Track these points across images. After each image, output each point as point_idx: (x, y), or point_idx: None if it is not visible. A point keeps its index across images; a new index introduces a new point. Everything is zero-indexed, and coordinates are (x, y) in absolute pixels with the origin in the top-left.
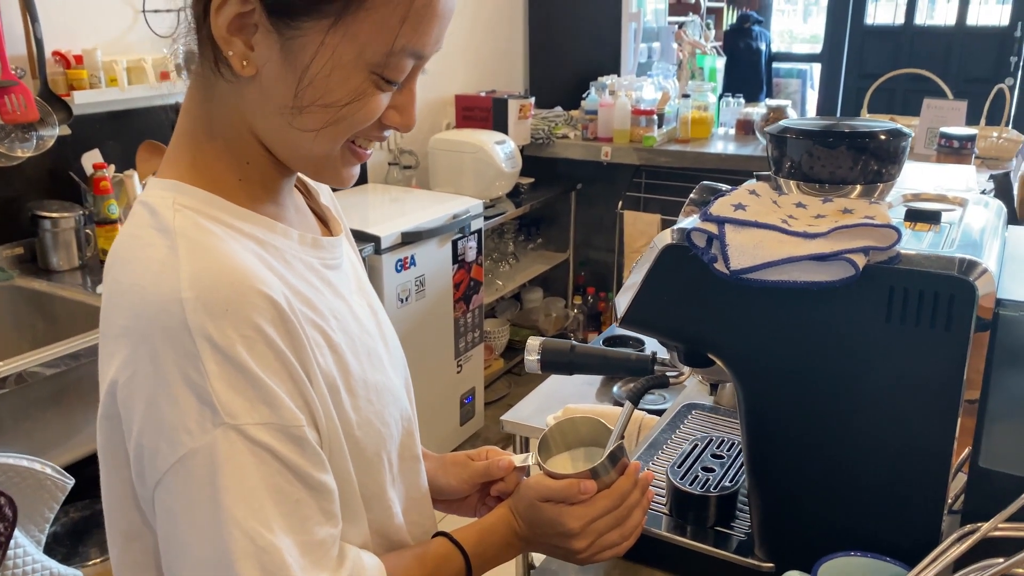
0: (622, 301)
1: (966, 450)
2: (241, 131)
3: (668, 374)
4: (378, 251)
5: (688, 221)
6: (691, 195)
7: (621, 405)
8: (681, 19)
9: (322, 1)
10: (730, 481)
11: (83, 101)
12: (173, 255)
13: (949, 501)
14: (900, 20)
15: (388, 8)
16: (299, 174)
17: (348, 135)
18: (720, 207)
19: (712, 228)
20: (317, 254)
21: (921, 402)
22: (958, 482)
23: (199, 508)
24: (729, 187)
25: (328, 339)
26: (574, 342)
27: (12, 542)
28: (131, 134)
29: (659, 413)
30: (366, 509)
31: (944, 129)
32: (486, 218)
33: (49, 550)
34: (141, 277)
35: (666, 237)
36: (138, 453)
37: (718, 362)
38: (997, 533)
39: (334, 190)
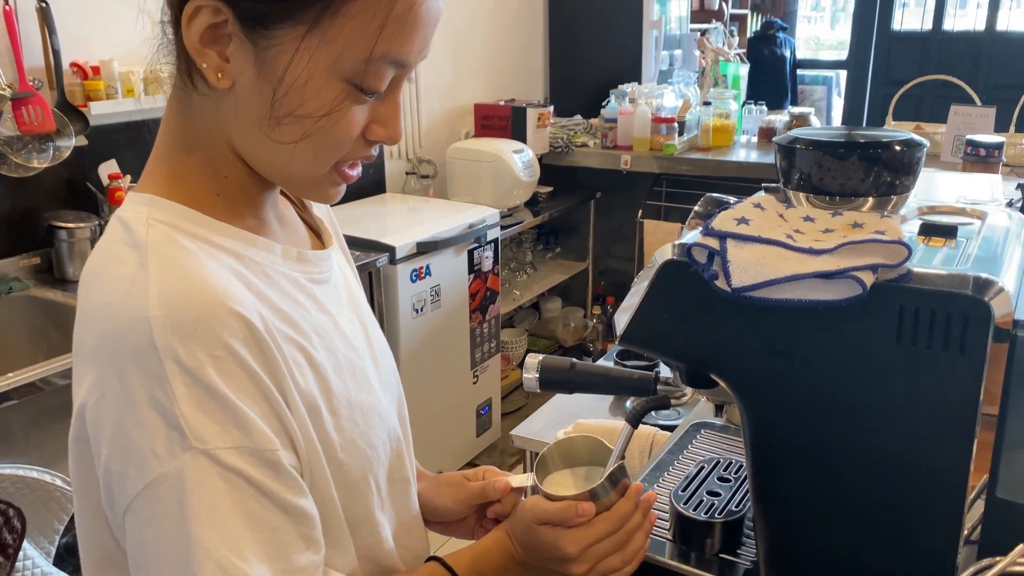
0: (621, 319)
1: (984, 477)
2: (219, 145)
3: (671, 395)
4: (393, 261)
5: (689, 236)
6: (695, 207)
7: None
8: (704, 26)
9: (297, 8)
10: (736, 506)
11: (100, 112)
12: (143, 272)
13: (966, 531)
14: (928, 25)
15: (366, 14)
16: None
17: (333, 156)
18: (722, 221)
19: (713, 243)
20: (302, 268)
21: (934, 428)
22: (975, 511)
23: (168, 536)
24: (736, 199)
25: (309, 357)
26: (574, 360)
27: (21, 554)
28: (147, 144)
29: (672, 429)
30: (353, 534)
31: (970, 136)
32: (503, 227)
33: (59, 561)
34: (110, 295)
35: (666, 252)
36: (107, 478)
37: (721, 383)
38: (1017, 567)
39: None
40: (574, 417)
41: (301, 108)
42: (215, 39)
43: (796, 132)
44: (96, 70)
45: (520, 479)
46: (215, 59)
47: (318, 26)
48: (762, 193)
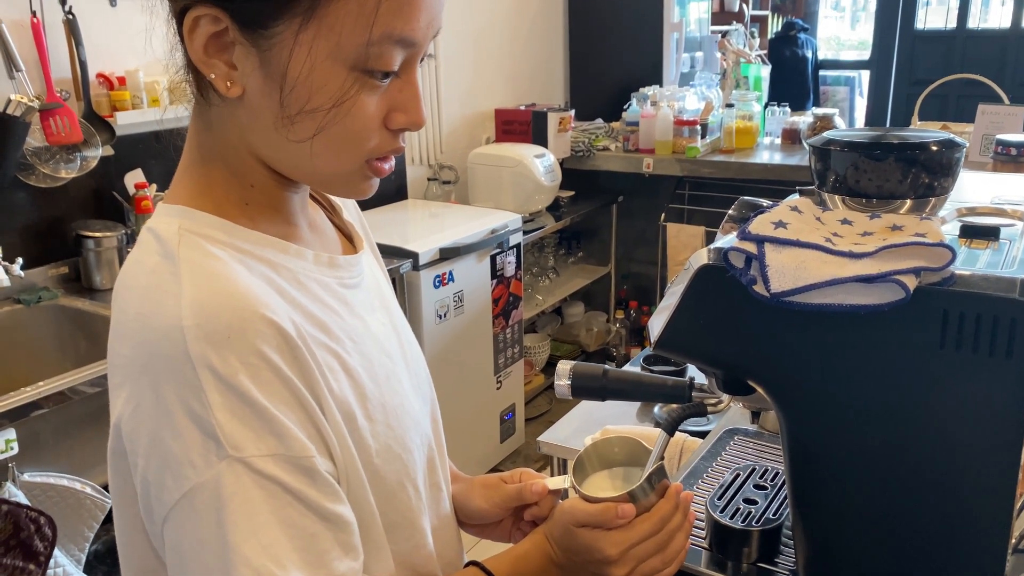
0: (656, 324)
1: None
2: (242, 154)
3: (707, 402)
4: (416, 267)
5: (725, 240)
6: (730, 211)
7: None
8: (725, 28)
9: (290, 1)
10: (774, 514)
11: (125, 122)
12: (176, 282)
13: (1013, 540)
14: (952, 24)
15: None
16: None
17: (355, 149)
18: (759, 225)
19: (751, 247)
20: (334, 274)
21: (980, 434)
22: (1023, 519)
23: (207, 546)
24: (769, 203)
25: (343, 363)
26: (606, 366)
27: (52, 561)
28: (173, 154)
29: (703, 435)
30: (390, 540)
31: (1000, 136)
32: (525, 232)
33: (90, 568)
34: (143, 305)
35: (702, 257)
36: (144, 489)
37: (759, 390)
38: None
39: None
40: (601, 423)
41: (310, 102)
42: (219, 48)
43: (830, 134)
44: (122, 80)
45: (557, 481)
46: (222, 68)
47: (313, 15)
48: (797, 196)
